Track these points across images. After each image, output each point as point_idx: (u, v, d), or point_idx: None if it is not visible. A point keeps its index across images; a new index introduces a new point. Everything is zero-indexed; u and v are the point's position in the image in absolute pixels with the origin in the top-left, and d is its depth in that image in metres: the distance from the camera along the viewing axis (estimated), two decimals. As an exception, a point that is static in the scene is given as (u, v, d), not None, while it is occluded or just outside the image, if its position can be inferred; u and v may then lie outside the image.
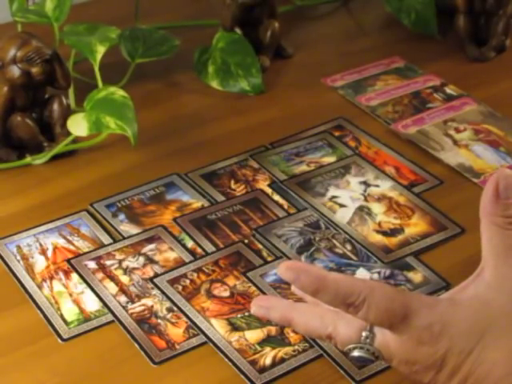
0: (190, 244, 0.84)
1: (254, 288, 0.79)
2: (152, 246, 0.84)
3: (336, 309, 0.63)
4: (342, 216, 0.87)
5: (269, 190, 0.91)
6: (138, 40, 1.09)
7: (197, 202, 0.90)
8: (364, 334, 0.63)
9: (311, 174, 0.93)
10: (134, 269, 0.81)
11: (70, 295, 0.79)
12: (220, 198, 0.90)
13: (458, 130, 1.00)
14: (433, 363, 0.61)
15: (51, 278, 0.80)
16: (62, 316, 0.76)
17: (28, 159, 0.95)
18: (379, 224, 0.86)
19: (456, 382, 0.61)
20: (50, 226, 0.86)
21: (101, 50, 0.99)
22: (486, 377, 0.60)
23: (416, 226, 0.86)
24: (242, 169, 0.94)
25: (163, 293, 0.78)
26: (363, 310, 0.61)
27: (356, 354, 0.63)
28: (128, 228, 0.86)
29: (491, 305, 0.62)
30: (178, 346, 0.74)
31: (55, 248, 0.84)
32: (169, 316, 0.76)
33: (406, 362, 0.62)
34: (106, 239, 0.85)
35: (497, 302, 0.62)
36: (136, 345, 0.74)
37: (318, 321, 0.65)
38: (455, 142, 0.98)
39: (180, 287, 0.79)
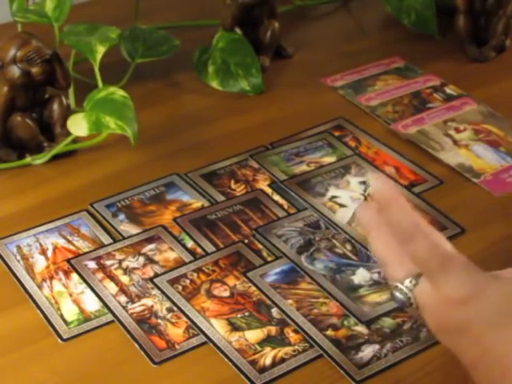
0: (189, 244, 0.84)
1: (253, 288, 0.79)
2: (152, 246, 0.84)
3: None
4: (342, 216, 0.87)
5: (269, 190, 0.91)
6: (138, 40, 1.09)
7: (197, 202, 0.90)
8: (409, 278, 0.63)
9: (311, 173, 0.93)
10: (134, 269, 0.81)
11: (70, 295, 0.79)
12: (220, 197, 0.90)
13: (458, 130, 1.00)
14: (458, 325, 0.61)
15: (51, 278, 0.80)
16: (61, 316, 0.76)
17: (28, 159, 0.95)
18: (379, 224, 0.86)
19: (477, 352, 0.60)
20: (50, 226, 0.86)
21: (101, 50, 0.99)
22: (505, 356, 0.60)
23: (416, 225, 0.86)
24: (242, 169, 0.94)
25: (163, 293, 0.78)
26: (412, 245, 0.62)
27: (396, 293, 0.64)
28: (128, 228, 0.86)
29: None
30: (177, 346, 0.74)
31: (55, 248, 0.84)
32: (169, 316, 0.76)
33: (434, 317, 0.63)
34: (105, 239, 0.85)
35: None
36: (136, 345, 0.74)
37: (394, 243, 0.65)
38: (455, 142, 0.98)
39: (180, 287, 0.79)
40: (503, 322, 0.60)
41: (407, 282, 0.64)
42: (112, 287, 0.79)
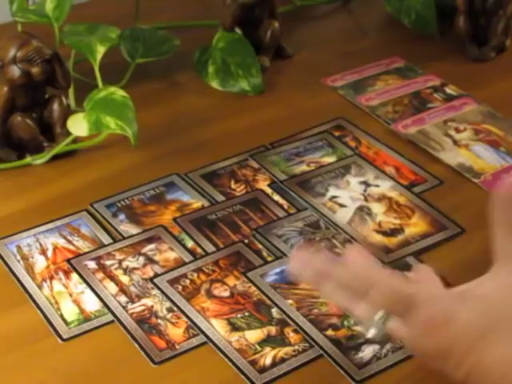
0: (190, 244, 0.84)
1: (253, 288, 0.79)
2: (152, 246, 0.84)
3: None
4: (342, 216, 0.87)
5: (269, 190, 0.91)
6: (138, 40, 1.09)
7: (197, 202, 0.90)
8: (379, 315, 0.63)
9: (311, 173, 0.93)
10: (134, 269, 0.81)
11: (70, 295, 0.79)
12: (220, 197, 0.90)
13: (458, 130, 1.00)
14: (438, 353, 0.61)
15: (51, 278, 0.80)
16: (61, 316, 0.76)
17: (28, 159, 0.95)
18: (379, 224, 0.86)
19: (465, 370, 0.61)
20: (50, 226, 0.86)
21: (101, 50, 0.99)
22: (495, 367, 0.60)
23: (416, 225, 0.86)
24: (242, 169, 0.94)
25: (163, 293, 0.78)
26: (366, 299, 0.62)
27: (369, 332, 0.64)
28: (128, 228, 0.86)
29: (502, 302, 0.62)
30: (178, 346, 0.74)
31: (55, 248, 0.84)
32: (169, 316, 0.76)
33: (414, 348, 0.63)
34: (106, 239, 0.85)
35: (508, 300, 0.62)
36: (136, 345, 0.74)
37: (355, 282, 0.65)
38: (455, 142, 0.98)
39: (180, 287, 0.79)
40: (480, 340, 0.61)
41: (377, 320, 0.63)
42: (112, 287, 0.79)
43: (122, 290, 0.79)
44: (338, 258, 0.66)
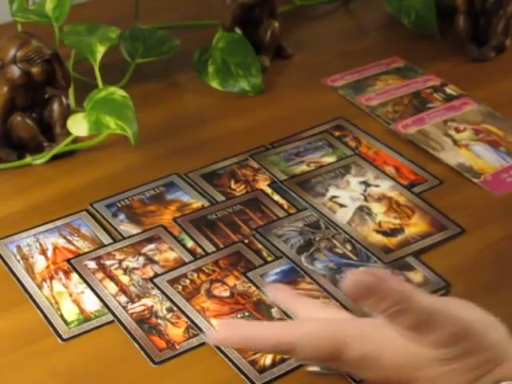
0: (189, 244, 0.84)
1: (253, 288, 0.79)
2: (152, 246, 0.84)
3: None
4: (342, 216, 0.87)
5: (269, 190, 0.91)
6: (138, 40, 1.09)
7: (197, 202, 0.90)
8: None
9: (311, 173, 0.93)
10: (134, 269, 0.81)
11: (70, 295, 0.79)
12: (220, 197, 0.90)
13: (457, 130, 1.00)
14: (383, 382, 0.62)
15: (51, 278, 0.80)
16: (62, 316, 0.76)
17: (28, 159, 0.95)
18: (379, 224, 0.86)
19: None
20: (50, 226, 0.86)
21: (101, 50, 0.99)
22: None
23: (416, 226, 0.86)
24: (242, 169, 0.94)
25: (163, 293, 0.78)
26: (295, 357, 0.64)
27: (312, 368, 0.68)
28: (128, 228, 0.86)
29: None
30: (177, 346, 0.74)
31: (55, 248, 0.84)
32: (169, 316, 0.76)
33: (361, 378, 0.65)
34: (106, 239, 0.85)
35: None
36: (136, 345, 0.74)
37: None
38: (455, 142, 0.98)
39: (180, 287, 0.79)
40: (415, 374, 0.61)
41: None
42: (112, 287, 0.79)
43: (122, 289, 0.79)
44: (257, 324, 0.69)
